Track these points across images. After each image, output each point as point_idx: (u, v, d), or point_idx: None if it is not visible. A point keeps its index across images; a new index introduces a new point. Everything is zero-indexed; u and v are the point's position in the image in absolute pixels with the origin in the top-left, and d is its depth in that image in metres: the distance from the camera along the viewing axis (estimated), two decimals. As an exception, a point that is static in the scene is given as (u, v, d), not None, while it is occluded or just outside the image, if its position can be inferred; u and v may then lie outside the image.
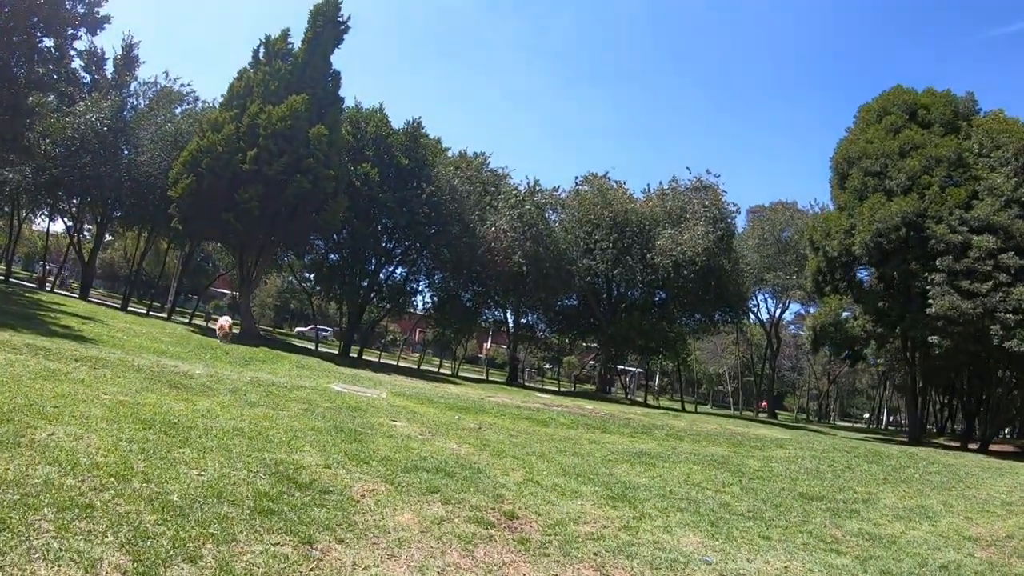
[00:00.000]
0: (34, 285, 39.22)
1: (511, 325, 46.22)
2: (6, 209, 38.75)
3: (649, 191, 44.02)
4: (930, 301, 26.67)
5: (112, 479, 5.30)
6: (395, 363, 41.91)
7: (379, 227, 36.27)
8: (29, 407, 7.07)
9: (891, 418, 71.66)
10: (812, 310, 51.71)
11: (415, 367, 42.13)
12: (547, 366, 61.55)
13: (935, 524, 8.91)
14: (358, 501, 6.31)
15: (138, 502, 4.93)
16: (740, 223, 48.30)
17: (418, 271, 41.58)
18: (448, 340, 48.15)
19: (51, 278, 42.53)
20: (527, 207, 37.17)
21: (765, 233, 52.45)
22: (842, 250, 30.03)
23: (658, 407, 40.16)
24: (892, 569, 6.53)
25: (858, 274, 32.18)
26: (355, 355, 38.32)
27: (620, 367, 53.98)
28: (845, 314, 32.82)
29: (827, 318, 33.13)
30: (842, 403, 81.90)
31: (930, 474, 14.02)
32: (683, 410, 41.10)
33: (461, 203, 36.51)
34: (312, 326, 50.35)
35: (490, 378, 43.92)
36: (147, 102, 36.77)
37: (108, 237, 52.71)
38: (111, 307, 34.21)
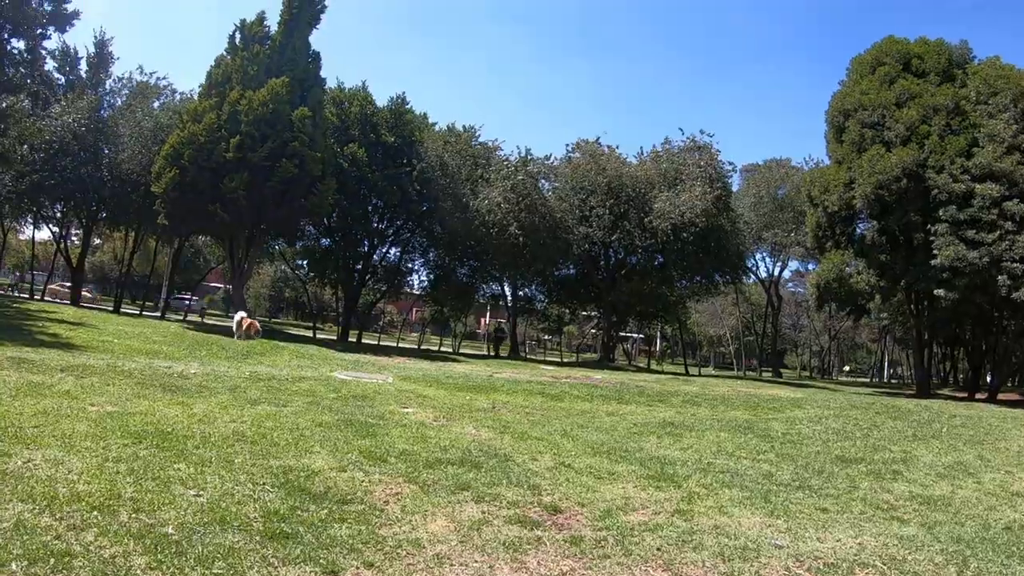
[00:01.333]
0: (24, 295, 38.50)
1: (509, 298, 45.57)
2: None
3: (643, 154, 42.95)
4: (934, 252, 26.02)
5: (95, 512, 4.52)
6: (395, 344, 41.39)
7: (370, 208, 35.43)
8: (5, 430, 6.28)
9: (892, 371, 71.54)
10: (811, 267, 51.38)
11: (416, 347, 41.56)
12: (547, 337, 61.08)
13: (979, 481, 8.61)
14: (382, 509, 5.57)
15: (126, 540, 4.15)
16: (735, 183, 47.55)
17: (412, 250, 40.87)
18: (446, 318, 47.60)
19: (25, 284, 41.88)
20: (520, 177, 36.31)
21: (761, 191, 51.59)
22: (842, 204, 29.25)
23: (663, 372, 39.95)
24: (961, 535, 6.08)
25: (859, 228, 31.37)
26: (354, 339, 37.68)
27: (621, 334, 53.36)
28: (848, 269, 32.14)
29: (830, 274, 32.40)
30: (843, 358, 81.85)
31: (956, 427, 13.77)
32: (687, 374, 40.61)
33: (452, 178, 35.67)
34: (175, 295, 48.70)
35: (491, 353, 43.33)
36: (124, 99, 35.81)
37: (96, 240, 51.94)
38: (103, 310, 33.45)
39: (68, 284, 41.24)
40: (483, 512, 5.80)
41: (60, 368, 10.57)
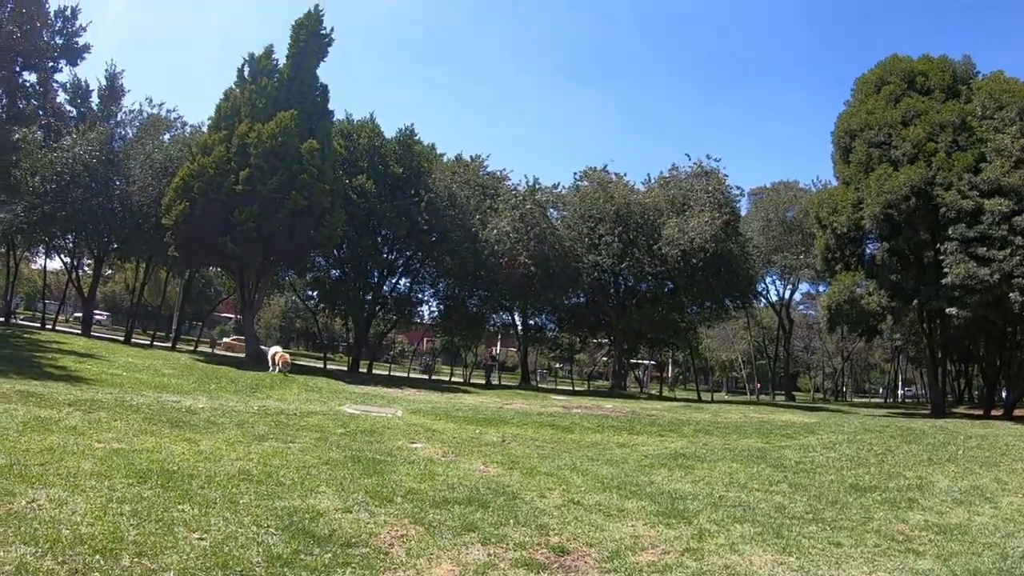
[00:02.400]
0: (36, 324, 38.57)
1: (520, 328, 45.50)
2: (1, 249, 38.05)
3: (650, 180, 43.08)
4: (945, 270, 26.02)
5: (98, 556, 4.47)
6: (406, 375, 41.27)
7: (379, 239, 35.60)
8: (10, 468, 6.24)
9: (906, 389, 70.81)
10: (822, 289, 50.96)
11: (426, 377, 41.45)
12: (558, 365, 60.79)
13: (996, 506, 8.40)
14: (387, 552, 5.50)
15: (127, 589, 4.12)
16: (743, 207, 47.54)
17: (422, 280, 41.02)
18: (457, 348, 47.49)
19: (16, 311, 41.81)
20: (528, 206, 36.43)
21: (769, 214, 51.61)
22: (851, 225, 29.28)
23: (675, 399, 39.69)
24: (978, 567, 5.90)
25: (868, 248, 31.44)
26: (365, 369, 37.64)
27: (632, 361, 53.12)
28: (858, 290, 31.98)
29: (841, 296, 32.28)
30: (856, 379, 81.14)
31: (971, 449, 13.52)
32: (700, 399, 40.33)
33: (461, 208, 35.85)
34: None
35: (502, 382, 43.18)
36: (134, 131, 36.11)
37: (108, 271, 52.11)
38: (114, 340, 33.49)
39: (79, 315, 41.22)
40: (489, 555, 5.72)
41: (68, 403, 10.54)
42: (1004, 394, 34.22)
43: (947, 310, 26.83)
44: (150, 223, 30.75)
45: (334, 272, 38.07)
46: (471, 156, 40.81)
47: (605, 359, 57.47)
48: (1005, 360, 34.07)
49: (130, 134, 35.98)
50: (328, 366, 38.61)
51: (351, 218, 30.83)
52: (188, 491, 6.40)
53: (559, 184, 42.97)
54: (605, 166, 41.68)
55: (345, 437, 11.02)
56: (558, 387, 46.03)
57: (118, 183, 32.83)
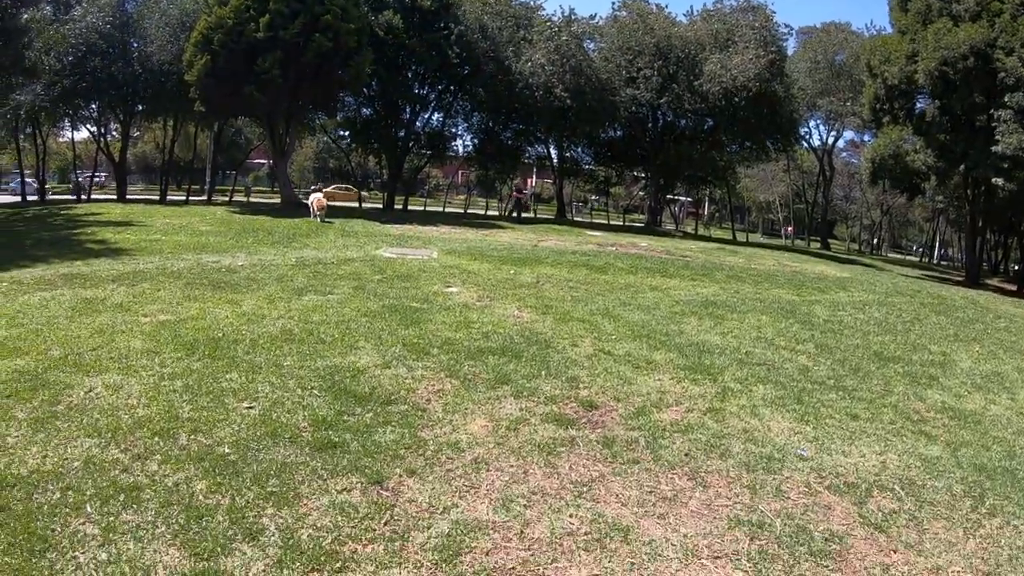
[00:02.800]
0: (72, 197, 38.96)
1: (555, 160, 45.10)
2: (27, 130, 37.85)
3: (692, 13, 41.07)
4: (997, 138, 24.61)
5: (157, 439, 4.83)
6: (441, 209, 41.43)
7: (409, 75, 34.81)
8: (65, 359, 6.47)
9: (943, 251, 69.72)
10: (867, 138, 49.46)
11: (462, 211, 41.62)
12: (594, 198, 60.48)
13: (1014, 398, 8.30)
14: (424, 409, 5.86)
15: (187, 466, 4.48)
16: (790, 46, 45.18)
17: (455, 114, 40.30)
18: (492, 180, 47.30)
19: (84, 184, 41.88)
20: (564, 38, 35.05)
21: (817, 56, 49.10)
22: (903, 77, 27.69)
23: (710, 238, 39.53)
24: (985, 463, 5.94)
25: (918, 104, 29.68)
26: (400, 207, 37.94)
27: (668, 197, 52.68)
28: (904, 146, 30.94)
29: (886, 150, 31.21)
30: (894, 234, 79.53)
31: (999, 331, 13.37)
32: (735, 240, 40.17)
33: (493, 40, 34.68)
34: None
35: (538, 215, 43.30)
36: (145, -11, 34.91)
37: (136, 132, 51.78)
38: (150, 201, 33.82)
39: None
40: (521, 409, 6.04)
41: (112, 279, 10.75)
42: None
43: (993, 180, 25.78)
44: (173, 81, 30.07)
45: (365, 111, 37.50)
46: (502, -15, 39.24)
47: (641, 193, 56.89)
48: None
49: (141, -7, 34.81)
50: (363, 205, 38.96)
51: (379, 56, 29.94)
52: (234, 358, 6.74)
53: (596, 15, 41.67)
54: (645, -5, 39.97)
55: (382, 284, 11.31)
56: (594, 220, 46.02)
57: (136, 45, 32.13)
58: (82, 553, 3.54)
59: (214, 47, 25.01)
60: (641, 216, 50.78)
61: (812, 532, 4.46)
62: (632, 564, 3.92)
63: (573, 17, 38.12)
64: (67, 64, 30.18)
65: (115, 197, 35.56)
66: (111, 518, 3.85)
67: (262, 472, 4.45)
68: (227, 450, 4.74)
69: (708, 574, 3.92)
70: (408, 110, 36.96)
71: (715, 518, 4.54)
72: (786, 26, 39.45)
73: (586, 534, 4.18)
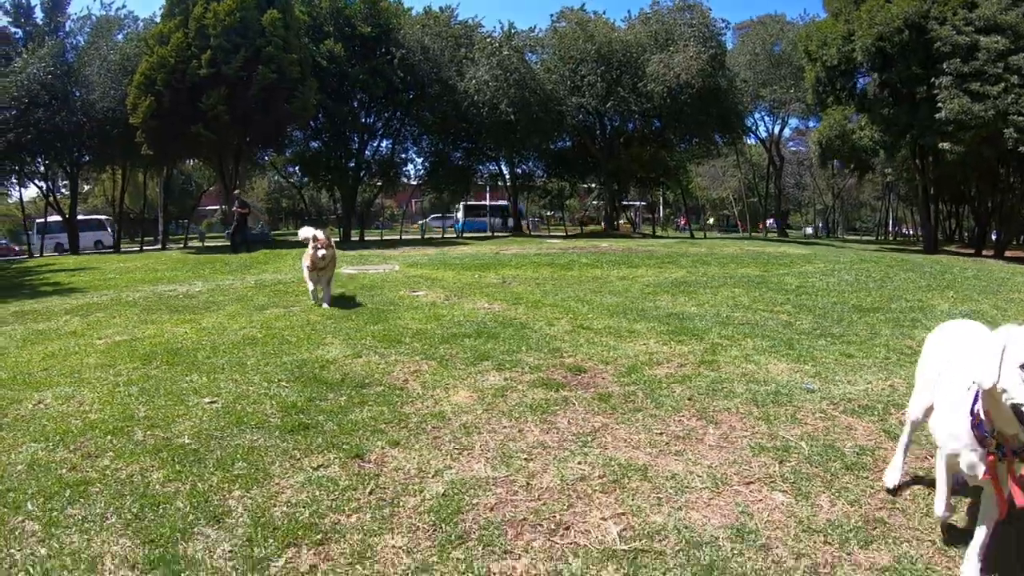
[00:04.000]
0: (23, 256, 37.94)
1: (507, 176, 44.99)
2: None
3: (631, 17, 41.59)
4: (939, 105, 24.97)
5: (110, 437, 4.35)
6: (398, 237, 41.14)
7: (355, 103, 34.52)
8: (13, 379, 5.98)
9: (896, 227, 70.81)
10: (812, 124, 49.97)
11: (419, 237, 41.33)
12: (549, 212, 60.59)
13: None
14: (402, 388, 5.46)
15: (143, 458, 4.02)
16: (728, 41, 45.78)
17: (404, 140, 39.99)
18: (447, 203, 47.09)
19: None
20: (505, 53, 35.08)
21: (756, 48, 49.42)
22: (841, 58, 28.06)
23: (668, 236, 39.68)
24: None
25: (859, 82, 30.13)
26: (356, 238, 37.45)
27: (623, 202, 52.90)
28: (850, 125, 31.35)
29: (832, 131, 31.74)
30: (847, 217, 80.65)
31: (968, 280, 13.54)
32: (692, 237, 40.34)
33: (435, 62, 34.53)
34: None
35: (494, 234, 43.13)
36: (86, 38, 34.21)
37: (86, 187, 50.97)
38: (103, 253, 33.09)
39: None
40: (505, 379, 5.69)
41: (65, 312, 10.29)
42: (995, 235, 34.24)
43: (940, 145, 26.11)
44: (119, 127, 29.43)
45: (313, 144, 37.06)
46: (440, 7, 39.22)
47: (596, 203, 57.06)
48: (997, 202, 33.74)
49: (82, 42, 34.01)
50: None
51: (324, 86, 29.75)
52: (195, 363, 6.30)
53: (536, 27, 41.59)
54: (583, 5, 40.56)
55: (346, 295, 10.93)
56: (552, 234, 46.00)
57: (79, 94, 31.38)
58: (19, 550, 3.10)
59: (158, 87, 24.62)
60: (597, 227, 50.82)
61: (841, 449, 4.27)
62: (659, 499, 3.62)
63: (513, 31, 38.22)
64: (11, 117, 29.43)
65: (68, 251, 34.76)
66: (54, 513, 3.40)
67: (227, 457, 4.01)
68: (187, 440, 4.28)
69: (745, 499, 3.64)
70: (357, 139, 36.65)
71: (736, 448, 4.29)
72: (723, 21, 40.09)
73: (600, 477, 3.86)
